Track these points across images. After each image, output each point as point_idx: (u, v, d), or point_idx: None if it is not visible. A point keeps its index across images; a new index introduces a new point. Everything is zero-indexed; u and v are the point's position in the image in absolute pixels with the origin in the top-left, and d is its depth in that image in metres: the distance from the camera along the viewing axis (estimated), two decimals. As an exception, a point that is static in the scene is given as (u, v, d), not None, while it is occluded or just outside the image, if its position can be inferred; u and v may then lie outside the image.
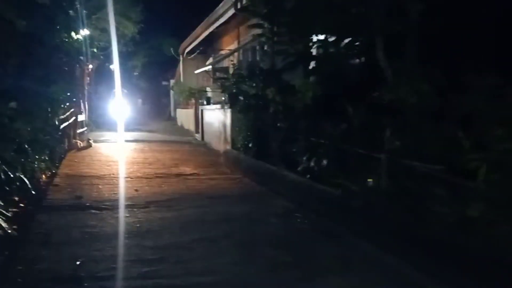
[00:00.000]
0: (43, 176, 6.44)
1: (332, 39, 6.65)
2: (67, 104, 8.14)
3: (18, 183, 4.51)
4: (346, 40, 6.41)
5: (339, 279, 3.30)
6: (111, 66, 22.46)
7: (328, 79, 6.14)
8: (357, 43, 6.32)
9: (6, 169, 3.54)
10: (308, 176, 5.96)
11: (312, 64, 7.08)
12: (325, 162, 5.59)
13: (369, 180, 4.50)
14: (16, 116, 3.34)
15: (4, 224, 4.02)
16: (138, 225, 4.67)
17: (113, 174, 7.74)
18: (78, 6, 8.22)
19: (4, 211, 4.15)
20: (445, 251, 3.27)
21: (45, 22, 4.20)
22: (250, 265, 3.58)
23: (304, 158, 6.31)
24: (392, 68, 4.31)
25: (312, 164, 5.85)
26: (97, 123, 17.20)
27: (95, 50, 17.32)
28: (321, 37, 6.84)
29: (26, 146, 4.12)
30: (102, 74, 22.12)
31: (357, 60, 6.45)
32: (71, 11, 6.24)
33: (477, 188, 3.22)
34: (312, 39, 6.82)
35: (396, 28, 4.20)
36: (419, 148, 3.90)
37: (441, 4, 3.82)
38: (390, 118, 4.32)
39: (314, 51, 7.26)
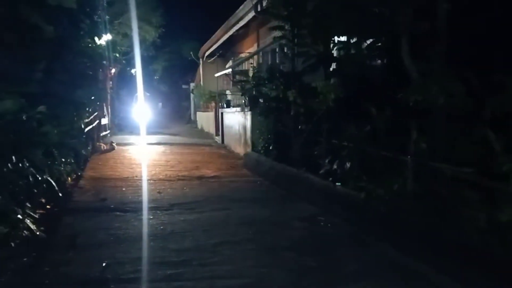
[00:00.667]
0: (69, 178, 6.56)
1: (353, 40, 6.60)
2: (91, 108, 8.28)
3: (45, 186, 4.59)
4: (368, 41, 6.35)
5: (364, 285, 3.25)
6: (132, 70, 22.80)
7: (350, 80, 6.07)
8: (379, 44, 6.25)
9: (34, 172, 3.60)
10: (330, 179, 5.90)
11: (333, 66, 7.02)
12: (348, 165, 5.52)
13: (394, 183, 4.42)
14: (44, 120, 3.40)
15: (32, 226, 4.10)
16: (161, 227, 4.69)
17: (136, 176, 7.83)
18: (101, 11, 8.35)
19: (32, 213, 4.23)
20: (475, 257, 3.18)
21: (71, 28, 4.27)
22: (274, 268, 3.55)
23: (326, 161, 6.25)
24: (419, 69, 4.22)
25: (334, 167, 5.78)
26: (120, 126, 17.46)
27: (117, 54, 17.61)
28: (342, 38, 6.79)
29: (53, 149, 4.19)
30: (124, 78, 22.45)
31: (379, 61, 6.37)
32: (95, 17, 6.34)
33: (509, 191, 3.12)
34: (334, 40, 6.76)
35: (424, 28, 4.11)
36: (448, 150, 3.81)
37: (471, 2, 3.72)
38: (416, 120, 4.23)
39: (335, 53, 7.20)
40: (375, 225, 4.44)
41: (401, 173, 4.57)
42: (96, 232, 4.46)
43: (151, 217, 5.09)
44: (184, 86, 31.00)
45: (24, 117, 3.26)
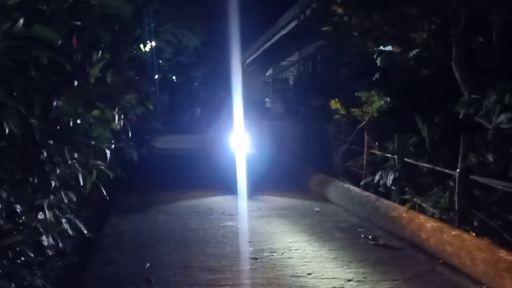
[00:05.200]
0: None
1: (399, 50, 6.48)
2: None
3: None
4: (414, 51, 6.22)
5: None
6: (174, 77, 23.34)
7: (395, 91, 5.96)
8: (425, 54, 6.11)
9: (83, 172, 3.73)
10: (372, 190, 5.81)
11: (377, 76, 6.92)
12: (391, 177, 5.41)
13: (441, 197, 4.29)
14: (96, 124, 3.53)
15: (80, 226, 4.24)
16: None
17: (178, 180, 8.02)
18: (149, 19, 8.62)
19: (79, 214, 4.37)
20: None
21: (124, 36, 4.43)
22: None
23: (368, 172, 6.16)
24: (471, 82, 4.09)
25: (377, 178, 5.68)
26: (161, 130, 17.86)
27: (160, 61, 18.10)
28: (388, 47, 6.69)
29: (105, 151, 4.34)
30: (166, 84, 23.00)
31: (425, 72, 6.22)
32: (144, 25, 6.54)
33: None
34: (379, 49, 6.66)
35: (478, 39, 3.99)
36: (500, 166, 3.66)
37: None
38: (465, 134, 4.09)
39: (378, 62, 7.10)
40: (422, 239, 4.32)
41: (448, 187, 4.44)
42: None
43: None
44: (223, 93, 31.33)
45: (78, 121, 3.40)
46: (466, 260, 3.60)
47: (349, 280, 3.49)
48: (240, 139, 6.83)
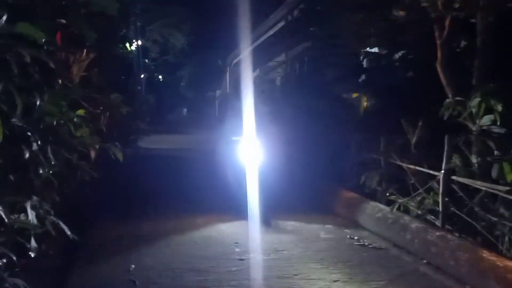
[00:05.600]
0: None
1: (384, 51, 6.55)
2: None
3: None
4: (400, 53, 6.29)
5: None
6: (160, 76, 23.19)
7: (382, 92, 6.01)
8: (410, 56, 6.18)
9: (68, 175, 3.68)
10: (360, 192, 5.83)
11: (363, 77, 6.97)
12: (377, 178, 5.44)
13: (426, 198, 4.34)
14: (81, 123, 3.49)
15: (64, 227, 4.17)
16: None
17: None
18: (135, 18, 8.55)
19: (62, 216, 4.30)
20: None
21: (109, 34, 4.39)
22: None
23: (355, 173, 6.18)
24: (456, 83, 4.15)
25: (363, 179, 5.71)
26: (146, 130, 17.72)
27: (146, 60, 17.97)
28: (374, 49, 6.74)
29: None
30: (153, 84, 22.85)
31: (410, 73, 6.29)
32: (130, 23, 6.49)
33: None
34: (365, 51, 6.72)
35: (462, 43, 4.05)
36: (483, 167, 3.71)
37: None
38: (449, 135, 4.14)
39: (365, 64, 7.15)
40: (407, 240, 4.35)
41: (432, 188, 4.49)
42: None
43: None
44: (210, 93, 31.30)
45: (62, 121, 3.34)
46: (450, 260, 3.65)
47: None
48: (249, 147, 5.53)
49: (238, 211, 5.27)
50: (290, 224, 5.22)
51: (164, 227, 4.94)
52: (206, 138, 19.10)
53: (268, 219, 5.15)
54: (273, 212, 5.27)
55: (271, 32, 13.68)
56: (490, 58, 3.84)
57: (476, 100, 3.52)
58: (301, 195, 6.57)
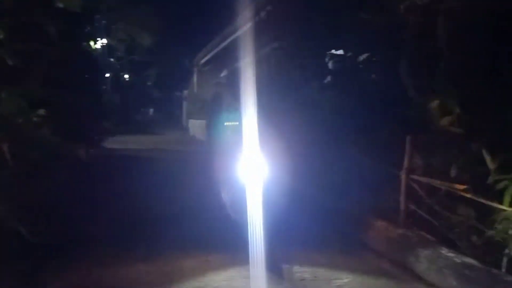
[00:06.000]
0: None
1: (349, 54, 6.67)
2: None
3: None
4: (364, 55, 6.42)
5: None
6: (125, 76, 22.78)
7: (346, 94, 6.13)
8: (374, 59, 6.33)
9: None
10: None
11: (328, 78, 7.09)
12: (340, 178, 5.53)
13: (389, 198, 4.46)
14: (43, 123, 3.39)
15: (23, 231, 4.04)
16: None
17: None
18: (100, 16, 8.37)
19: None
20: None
21: (73, 31, 4.28)
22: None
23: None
24: (418, 86, 4.29)
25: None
26: (112, 131, 17.37)
27: (112, 59, 17.61)
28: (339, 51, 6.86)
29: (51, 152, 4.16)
30: (118, 83, 22.40)
31: (373, 76, 6.44)
32: (94, 21, 6.35)
33: (501, 209, 3.18)
34: (331, 53, 6.84)
35: (424, 46, 4.18)
36: (444, 167, 3.86)
37: (475, 21, 3.75)
38: (411, 135, 4.27)
39: (329, 65, 7.26)
40: (373, 241, 4.45)
41: (394, 187, 4.61)
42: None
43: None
44: (177, 93, 30.99)
45: (20, 120, 3.24)
46: (410, 257, 3.77)
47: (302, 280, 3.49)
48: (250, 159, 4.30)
49: (236, 248, 3.89)
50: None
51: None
52: (175, 139, 18.96)
53: (278, 264, 3.74)
54: (284, 251, 3.96)
55: (238, 33, 13.68)
56: (451, 62, 3.99)
57: (436, 102, 3.66)
58: (317, 223, 4.99)
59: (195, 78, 22.52)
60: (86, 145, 9.43)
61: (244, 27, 12.77)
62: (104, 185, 6.88)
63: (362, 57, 6.53)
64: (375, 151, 4.93)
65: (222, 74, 17.50)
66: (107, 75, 17.33)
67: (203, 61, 20.26)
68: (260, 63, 12.60)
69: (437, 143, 3.93)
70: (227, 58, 17.39)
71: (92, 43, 9.02)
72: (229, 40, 15.12)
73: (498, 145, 3.39)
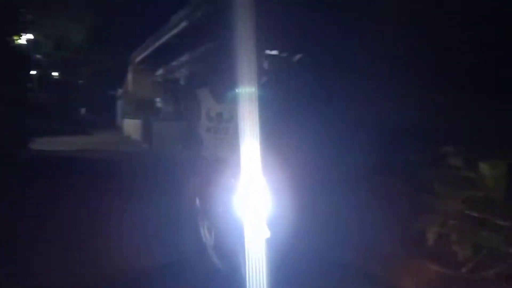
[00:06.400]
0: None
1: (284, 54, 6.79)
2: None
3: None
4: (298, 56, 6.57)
5: None
6: (53, 73, 21.65)
7: (283, 93, 6.23)
8: (307, 59, 6.49)
9: None
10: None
11: (264, 79, 7.17)
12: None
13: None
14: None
15: None
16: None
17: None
18: (25, 9, 7.87)
19: None
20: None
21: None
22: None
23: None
24: (347, 85, 4.45)
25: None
26: (39, 131, 16.44)
27: (38, 56, 16.66)
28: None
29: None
30: (47, 81, 21.23)
31: (308, 76, 6.61)
32: (17, 14, 5.96)
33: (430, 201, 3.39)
34: (267, 53, 6.93)
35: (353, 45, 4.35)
36: (380, 161, 4.03)
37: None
38: (356, 134, 4.42)
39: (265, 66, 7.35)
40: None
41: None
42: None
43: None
44: (111, 92, 29.93)
45: None
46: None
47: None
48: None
49: None
50: None
51: None
52: (109, 140, 18.27)
53: None
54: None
55: (174, 31, 13.47)
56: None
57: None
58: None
59: (129, 77, 21.86)
60: (10, 146, 8.83)
61: (180, 26, 12.62)
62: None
63: (295, 58, 6.68)
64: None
65: (158, 73, 17.16)
66: (34, 72, 16.34)
67: (138, 59, 19.71)
68: (196, 63, 12.53)
69: (380, 141, 4.08)
70: (163, 56, 17.08)
71: (15, 38, 8.46)
72: (164, 38, 14.83)
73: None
